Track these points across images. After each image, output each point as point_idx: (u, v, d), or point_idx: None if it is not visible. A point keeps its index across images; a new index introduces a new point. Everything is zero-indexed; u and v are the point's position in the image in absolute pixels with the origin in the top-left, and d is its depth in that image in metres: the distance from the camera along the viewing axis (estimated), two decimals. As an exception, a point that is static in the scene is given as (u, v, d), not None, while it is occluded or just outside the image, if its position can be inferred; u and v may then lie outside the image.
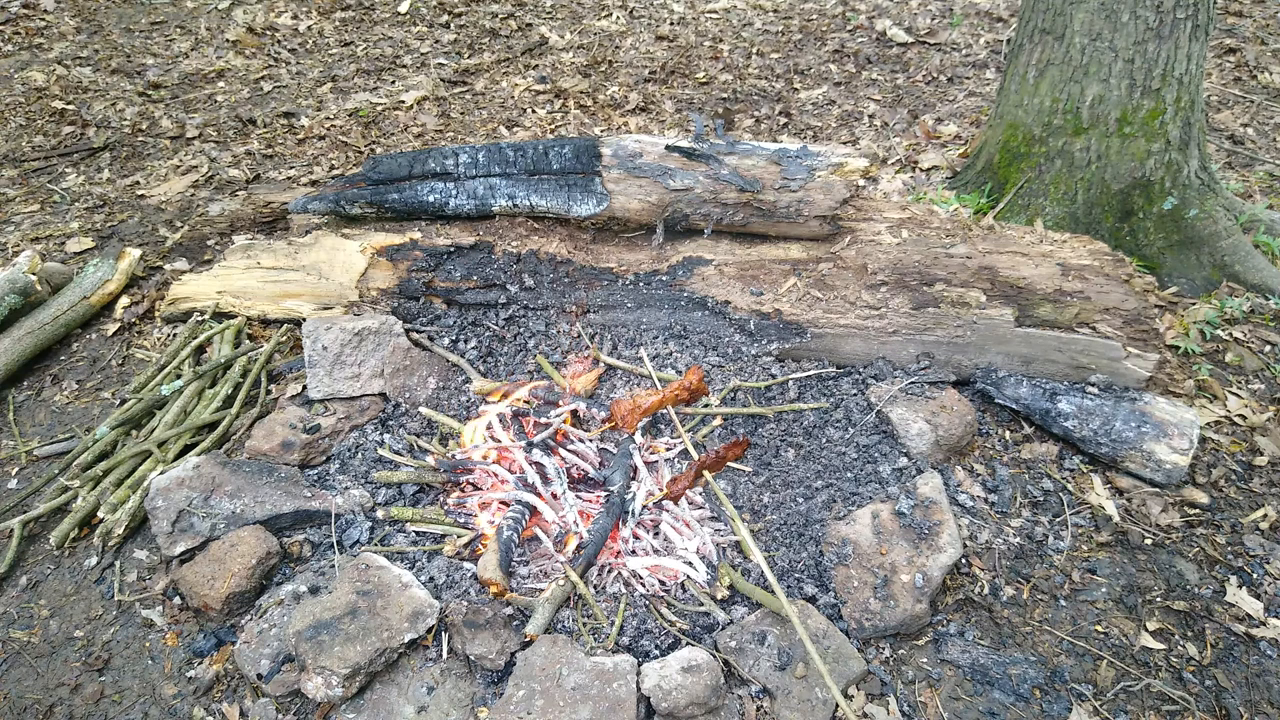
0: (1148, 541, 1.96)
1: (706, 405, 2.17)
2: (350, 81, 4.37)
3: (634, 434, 2.05)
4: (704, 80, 4.39)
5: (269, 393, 2.28)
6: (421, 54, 4.72)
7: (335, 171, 3.49)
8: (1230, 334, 2.55)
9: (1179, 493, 2.06)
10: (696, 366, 2.19)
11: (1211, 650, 1.74)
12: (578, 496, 1.94)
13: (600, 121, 3.96)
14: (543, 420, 2.08)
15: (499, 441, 2.06)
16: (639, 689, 1.52)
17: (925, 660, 1.72)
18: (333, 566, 1.79)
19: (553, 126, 3.91)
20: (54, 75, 4.34)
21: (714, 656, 1.60)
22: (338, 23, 5.14)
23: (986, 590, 1.84)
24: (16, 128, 3.88)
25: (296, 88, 4.31)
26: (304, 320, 2.28)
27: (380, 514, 1.90)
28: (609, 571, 1.81)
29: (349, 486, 1.99)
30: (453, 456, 2.05)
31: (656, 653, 1.64)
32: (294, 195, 3.14)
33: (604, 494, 1.94)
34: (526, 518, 1.87)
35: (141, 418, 2.23)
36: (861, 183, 2.67)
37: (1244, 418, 2.27)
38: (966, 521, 1.96)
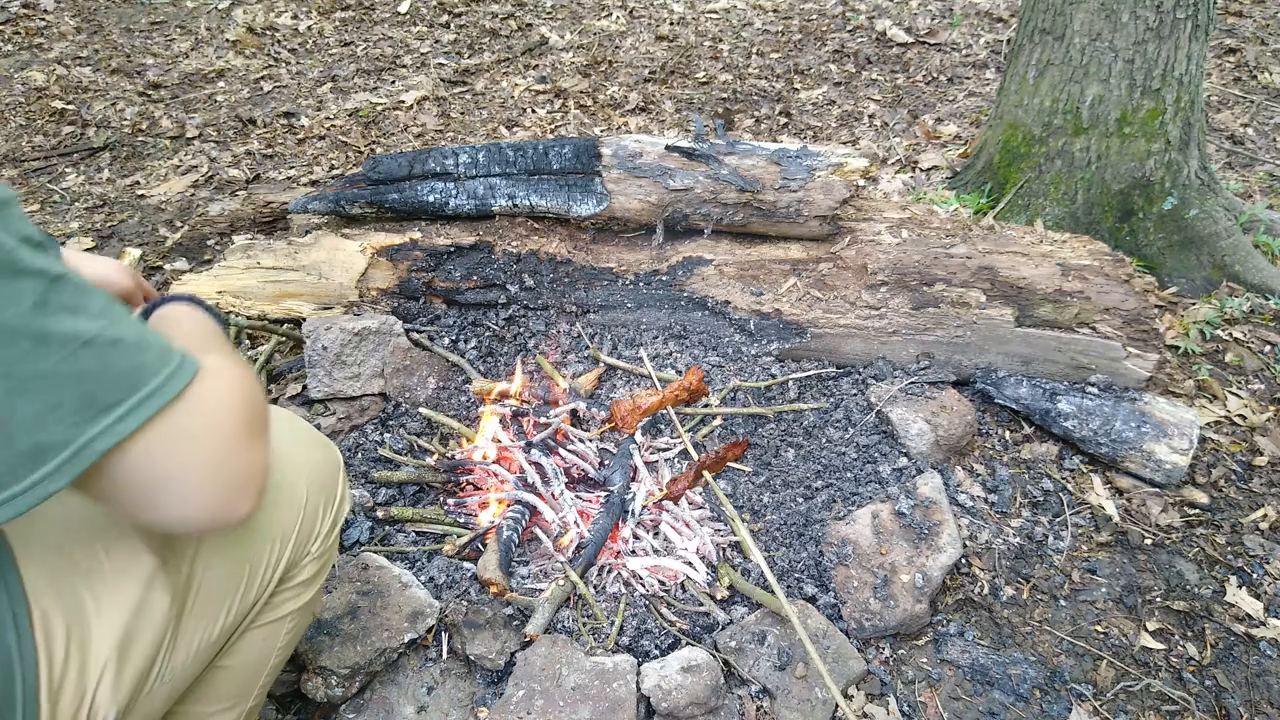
0: (1148, 541, 1.96)
1: (706, 405, 2.17)
2: (350, 81, 4.37)
3: (634, 434, 2.05)
4: (704, 80, 4.39)
5: (269, 392, 2.28)
6: (421, 54, 4.72)
7: (335, 171, 3.50)
8: (1230, 334, 2.55)
9: (1179, 493, 2.07)
10: (696, 366, 2.19)
11: (1211, 650, 1.74)
12: (577, 496, 1.94)
13: (600, 121, 3.96)
14: (543, 420, 2.08)
15: (499, 441, 2.06)
16: (639, 689, 1.52)
17: (925, 660, 1.72)
18: (333, 566, 1.79)
19: (553, 126, 3.91)
20: (54, 75, 4.35)
21: (714, 656, 1.60)
22: (338, 23, 5.14)
23: (986, 590, 1.84)
24: (16, 128, 3.88)
25: (296, 88, 4.31)
26: (304, 320, 2.28)
27: (380, 514, 1.90)
28: (609, 571, 1.81)
29: (350, 487, 1.98)
30: (452, 456, 2.05)
31: (656, 653, 1.64)
32: (294, 195, 3.14)
33: (604, 494, 1.94)
34: (526, 518, 1.87)
35: (141, 418, 2.22)
36: (861, 183, 2.67)
37: (1244, 418, 2.27)
38: (966, 521, 1.96)
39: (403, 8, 5.29)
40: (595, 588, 1.78)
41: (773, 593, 1.65)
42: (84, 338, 0.68)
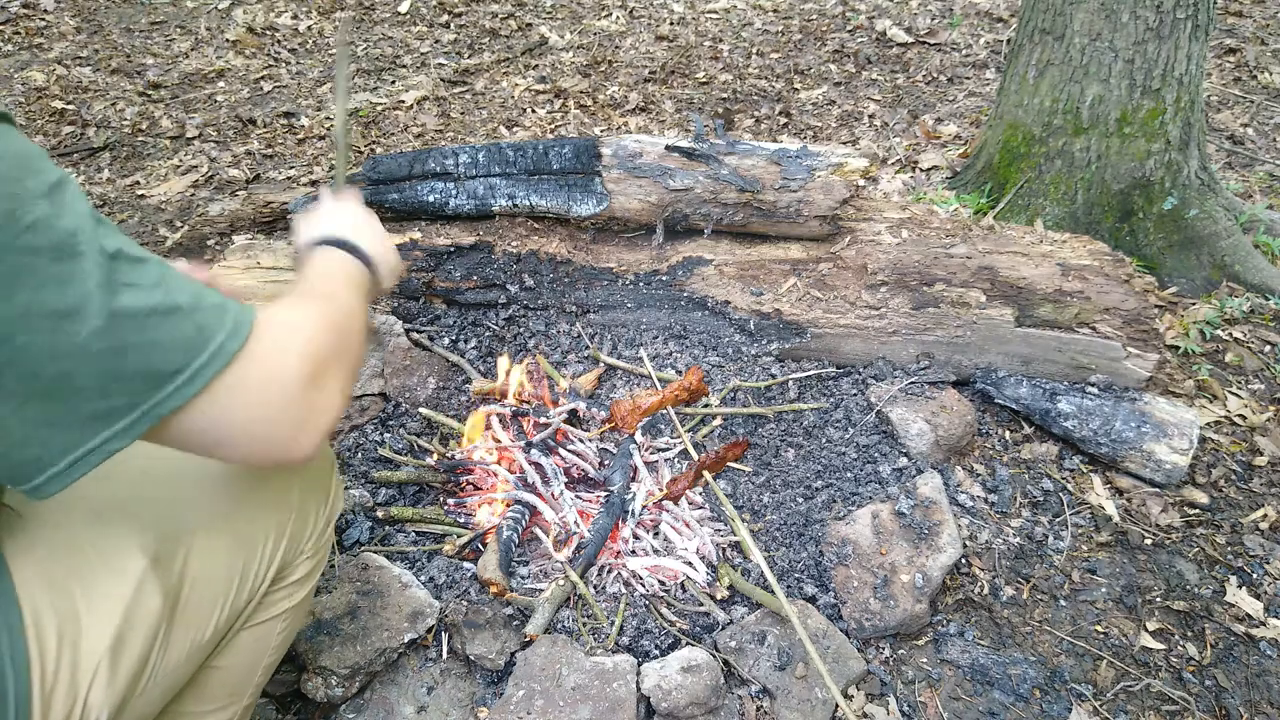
0: (1148, 541, 1.97)
1: (706, 405, 2.17)
2: (350, 81, 4.37)
3: (634, 434, 2.05)
4: (704, 80, 4.39)
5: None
6: (421, 54, 4.72)
7: (335, 171, 3.49)
8: (1230, 334, 2.55)
9: (1179, 493, 2.07)
10: (696, 367, 2.19)
11: (1211, 650, 1.74)
12: (577, 496, 1.94)
13: (600, 121, 3.96)
14: (543, 420, 2.08)
15: (499, 441, 2.06)
16: (639, 689, 1.52)
17: (925, 660, 1.72)
18: (332, 566, 1.79)
19: (553, 126, 3.91)
20: (54, 75, 4.35)
21: (714, 656, 1.60)
22: (338, 23, 5.14)
23: (986, 590, 1.84)
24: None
25: (296, 88, 4.31)
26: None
27: (380, 514, 1.90)
28: (609, 571, 1.81)
29: (349, 486, 1.99)
30: (452, 456, 2.05)
31: (656, 653, 1.64)
32: (294, 195, 3.14)
33: (604, 494, 1.94)
34: (526, 518, 1.87)
35: (141, 418, 2.22)
36: (861, 183, 2.67)
37: (1244, 418, 2.27)
38: (966, 521, 1.96)
39: (403, 8, 5.29)
40: (595, 588, 1.78)
41: (773, 593, 1.65)
42: (145, 310, 0.71)
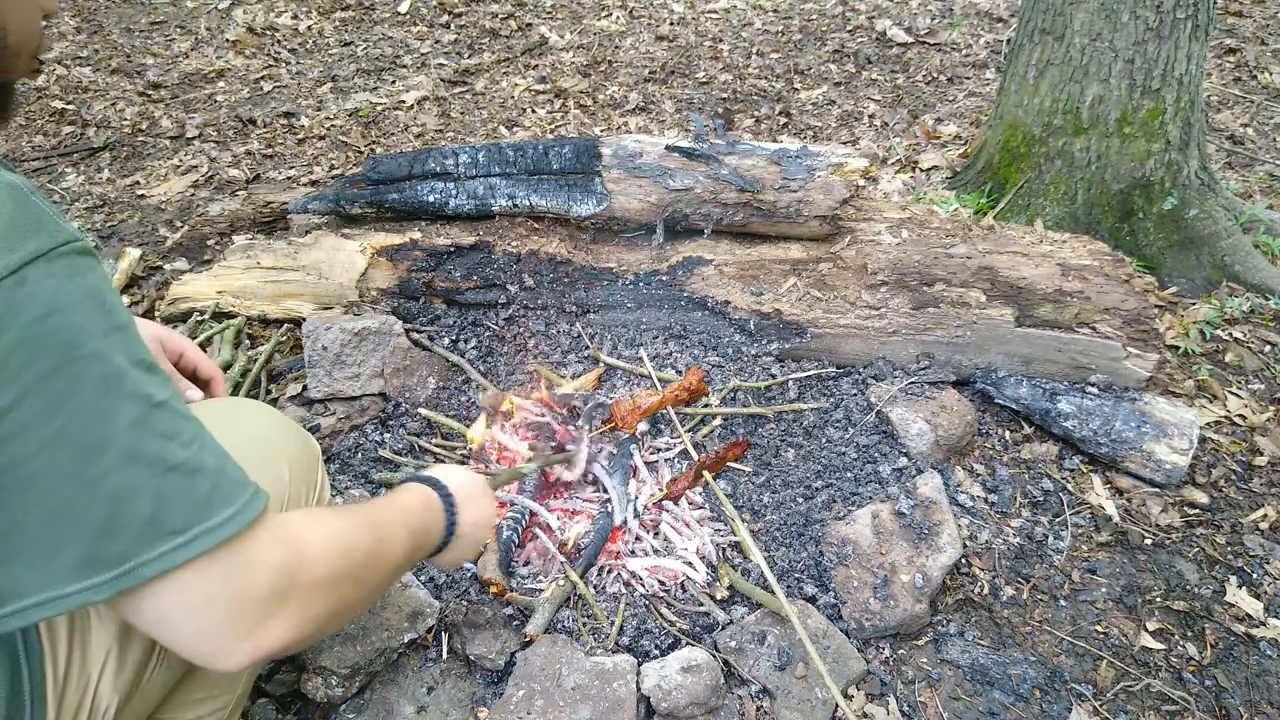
0: (1148, 541, 1.97)
1: (706, 405, 2.17)
2: (350, 81, 4.37)
3: (634, 434, 2.05)
4: (704, 80, 4.39)
5: (269, 392, 2.28)
6: (421, 54, 4.72)
7: (335, 171, 3.50)
8: (1230, 334, 2.55)
9: (1179, 493, 2.07)
10: (696, 367, 2.19)
11: (1211, 650, 1.74)
12: (577, 496, 1.94)
13: (600, 121, 3.96)
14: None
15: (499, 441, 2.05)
16: (639, 689, 1.52)
17: (925, 660, 1.72)
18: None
19: (553, 126, 3.91)
20: (54, 75, 4.35)
21: (714, 656, 1.60)
22: (338, 23, 5.14)
23: (986, 590, 1.84)
24: (16, 128, 3.89)
25: (296, 88, 4.31)
26: (304, 320, 2.28)
27: (380, 514, 1.90)
28: (609, 571, 1.81)
29: (349, 486, 1.98)
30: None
31: (656, 653, 1.64)
32: (294, 195, 3.14)
33: (604, 495, 1.94)
34: (526, 518, 1.87)
35: (141, 418, 2.22)
36: (861, 183, 2.67)
37: (1244, 418, 2.27)
38: (966, 521, 1.96)
39: (403, 8, 5.29)
40: (595, 588, 1.78)
41: (773, 593, 1.65)
42: (170, 463, 0.70)
